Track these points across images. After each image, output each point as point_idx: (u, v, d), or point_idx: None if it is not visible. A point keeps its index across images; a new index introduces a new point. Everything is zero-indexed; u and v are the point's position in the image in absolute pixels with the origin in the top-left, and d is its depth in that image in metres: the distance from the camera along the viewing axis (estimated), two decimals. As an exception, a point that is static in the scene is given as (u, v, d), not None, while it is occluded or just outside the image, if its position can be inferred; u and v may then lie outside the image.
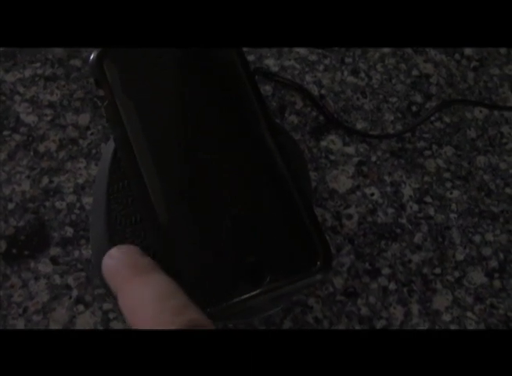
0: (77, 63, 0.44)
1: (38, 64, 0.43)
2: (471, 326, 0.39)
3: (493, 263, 0.41)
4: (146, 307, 0.23)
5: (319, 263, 0.35)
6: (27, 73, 0.43)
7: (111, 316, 0.37)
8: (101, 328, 0.36)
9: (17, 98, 0.42)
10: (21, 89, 0.42)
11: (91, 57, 0.36)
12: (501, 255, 0.41)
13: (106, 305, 0.37)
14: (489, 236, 0.42)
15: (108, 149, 0.38)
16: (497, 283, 0.40)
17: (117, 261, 0.25)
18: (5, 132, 0.41)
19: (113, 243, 0.35)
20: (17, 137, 0.41)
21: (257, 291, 0.34)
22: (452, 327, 0.39)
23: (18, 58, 0.43)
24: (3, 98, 0.42)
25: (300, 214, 0.36)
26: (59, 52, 0.44)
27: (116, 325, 0.36)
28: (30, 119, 0.42)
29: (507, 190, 0.43)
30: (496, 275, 0.41)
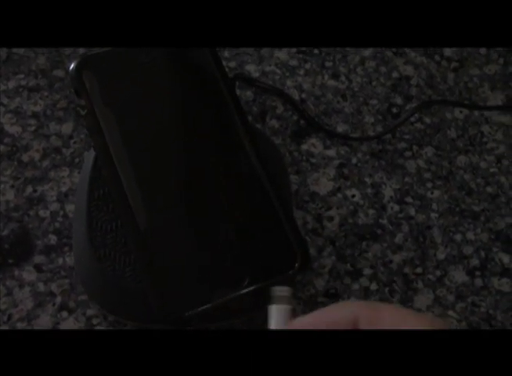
0: (59, 73, 0.44)
1: (22, 75, 0.44)
2: (453, 324, 0.39)
3: (474, 261, 0.41)
4: None
5: (297, 264, 0.36)
6: (11, 84, 0.44)
7: (95, 321, 0.37)
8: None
9: (1, 109, 0.43)
10: (5, 100, 0.43)
11: (71, 68, 0.37)
12: (482, 254, 0.41)
13: (90, 311, 0.37)
14: (470, 235, 0.42)
15: (89, 157, 0.38)
16: (478, 282, 0.41)
17: None
18: (-10, 143, 0.42)
19: (94, 248, 0.36)
20: (1, 147, 0.42)
21: (237, 293, 0.35)
22: (434, 325, 0.39)
23: (2, 70, 0.44)
24: (-13, 109, 0.43)
25: (278, 218, 0.36)
26: (42, 62, 0.45)
27: (99, 330, 0.37)
28: (14, 129, 0.42)
29: (488, 189, 0.44)
30: (478, 273, 0.41)
